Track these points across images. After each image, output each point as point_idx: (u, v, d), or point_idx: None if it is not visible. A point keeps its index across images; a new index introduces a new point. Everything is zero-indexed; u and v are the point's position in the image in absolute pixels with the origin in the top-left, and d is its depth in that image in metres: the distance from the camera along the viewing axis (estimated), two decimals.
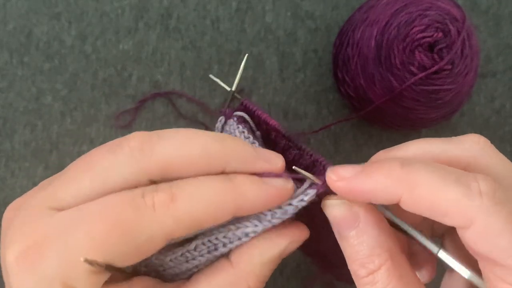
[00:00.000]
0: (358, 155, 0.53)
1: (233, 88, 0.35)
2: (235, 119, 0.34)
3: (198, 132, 0.29)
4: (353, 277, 0.30)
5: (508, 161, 0.30)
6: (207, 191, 0.28)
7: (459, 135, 0.32)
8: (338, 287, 0.52)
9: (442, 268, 0.34)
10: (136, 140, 0.28)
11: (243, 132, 0.33)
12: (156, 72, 0.53)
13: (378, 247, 0.28)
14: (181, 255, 0.31)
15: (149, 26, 0.53)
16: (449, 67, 0.44)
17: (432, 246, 0.28)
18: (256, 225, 0.30)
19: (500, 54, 0.54)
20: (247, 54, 0.36)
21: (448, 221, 0.26)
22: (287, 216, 0.30)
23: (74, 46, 0.53)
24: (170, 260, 0.32)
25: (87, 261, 0.25)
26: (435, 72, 0.44)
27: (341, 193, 0.29)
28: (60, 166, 0.52)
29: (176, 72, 0.53)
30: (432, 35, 0.44)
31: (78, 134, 0.52)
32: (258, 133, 0.35)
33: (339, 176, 0.29)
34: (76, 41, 0.53)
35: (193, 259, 0.31)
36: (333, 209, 0.30)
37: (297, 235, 0.31)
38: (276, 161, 0.30)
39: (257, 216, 0.30)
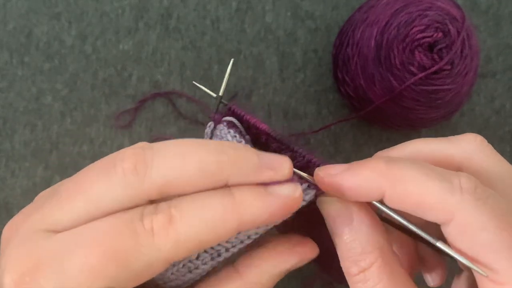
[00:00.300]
0: (358, 155, 0.53)
1: (220, 93, 0.34)
2: (225, 123, 0.33)
3: (194, 145, 0.27)
4: (345, 274, 0.30)
5: (505, 161, 0.30)
6: (207, 211, 0.26)
7: (459, 135, 0.32)
8: (339, 287, 0.52)
9: (451, 273, 0.34)
10: (129, 160, 0.27)
11: (235, 136, 0.32)
12: (156, 72, 0.53)
13: (369, 245, 0.29)
14: (183, 266, 0.30)
15: (149, 26, 0.53)
16: (449, 67, 0.44)
17: (430, 238, 0.28)
18: (258, 227, 0.30)
19: (500, 54, 0.54)
20: (232, 59, 0.35)
21: (430, 217, 0.27)
22: (288, 215, 0.30)
23: (74, 46, 0.53)
24: (172, 273, 0.31)
25: None
26: (435, 72, 0.44)
27: (328, 190, 0.29)
28: (60, 166, 0.52)
29: (176, 72, 0.53)
30: (432, 35, 0.44)
31: (78, 134, 0.52)
32: (247, 137, 0.34)
33: (326, 174, 0.29)
34: (76, 41, 0.53)
35: (196, 268, 0.30)
36: (327, 206, 0.30)
37: (308, 254, 0.32)
38: (282, 167, 0.28)
39: None
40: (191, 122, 0.53)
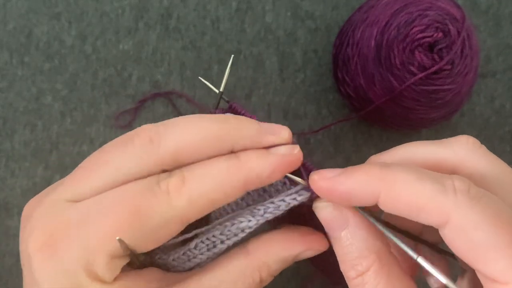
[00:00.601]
0: (358, 155, 0.53)
1: (221, 89, 0.35)
2: None
3: (202, 116, 0.30)
4: (345, 278, 0.30)
5: (498, 160, 0.30)
6: (215, 170, 0.29)
7: (459, 135, 0.32)
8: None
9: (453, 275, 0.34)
10: (144, 133, 0.29)
11: None
12: (156, 72, 0.53)
13: (366, 249, 0.29)
14: (183, 254, 0.32)
15: (149, 26, 0.53)
16: (449, 67, 0.44)
17: (411, 253, 0.28)
18: (249, 220, 0.31)
19: (500, 54, 0.54)
20: (233, 56, 0.36)
21: (425, 219, 0.27)
22: (279, 212, 0.31)
23: (74, 46, 0.53)
24: (173, 260, 0.32)
25: (120, 241, 0.27)
26: (435, 72, 0.44)
27: (323, 194, 0.30)
28: (60, 166, 0.52)
29: (176, 72, 0.53)
30: (432, 35, 0.44)
31: (78, 134, 0.52)
32: None
33: (321, 177, 0.29)
34: (76, 41, 0.53)
35: (194, 257, 0.32)
36: (323, 211, 0.31)
37: (316, 245, 0.32)
38: (282, 132, 0.31)
39: (251, 211, 0.31)
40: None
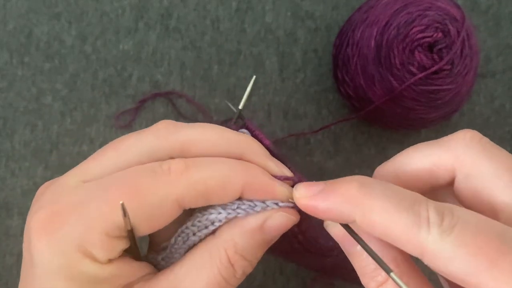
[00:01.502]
0: (358, 155, 0.53)
1: (240, 107, 0.37)
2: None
3: (217, 126, 0.32)
4: None
5: (497, 155, 0.29)
6: (220, 165, 0.30)
7: (451, 134, 0.31)
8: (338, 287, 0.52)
9: None
10: (163, 122, 0.31)
11: None
12: (156, 72, 0.53)
13: (383, 259, 0.29)
14: (169, 251, 0.32)
15: (149, 26, 0.53)
16: (449, 67, 0.44)
17: (385, 267, 0.28)
18: (220, 213, 0.31)
19: (500, 54, 0.54)
20: (254, 76, 0.38)
21: (401, 248, 0.27)
22: (251, 211, 0.31)
23: (74, 46, 0.53)
24: (162, 259, 0.33)
25: (123, 206, 0.27)
26: (435, 72, 0.44)
27: (307, 211, 0.30)
28: (60, 166, 0.52)
29: (176, 72, 0.53)
30: (432, 35, 0.44)
31: (78, 134, 0.52)
32: None
33: (302, 195, 0.30)
34: (76, 41, 0.53)
35: (176, 253, 0.32)
36: (334, 228, 0.31)
37: (282, 213, 0.32)
38: (285, 170, 0.32)
39: (224, 204, 0.31)
40: (191, 122, 0.53)
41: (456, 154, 0.29)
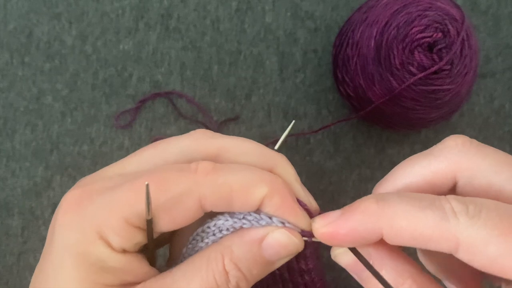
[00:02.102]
0: (358, 155, 0.53)
1: (276, 148, 0.37)
2: None
3: (253, 141, 0.33)
4: None
5: (492, 155, 0.30)
6: (247, 171, 0.30)
7: (457, 134, 0.31)
8: (339, 287, 0.52)
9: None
10: (201, 130, 0.33)
11: None
12: (156, 72, 0.53)
13: (399, 277, 0.29)
14: (181, 261, 0.32)
15: (149, 26, 0.53)
16: (449, 67, 0.44)
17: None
18: (227, 220, 0.31)
19: (499, 54, 0.54)
20: (293, 121, 0.38)
21: (434, 247, 0.27)
22: (256, 224, 0.30)
23: (75, 46, 0.53)
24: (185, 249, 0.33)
25: (147, 188, 0.28)
26: (435, 72, 0.44)
27: (326, 241, 0.30)
28: (60, 166, 0.52)
29: (176, 72, 0.53)
30: (432, 35, 0.44)
31: (78, 134, 0.53)
32: None
33: (321, 224, 0.29)
34: (76, 41, 0.53)
35: (184, 259, 0.32)
36: (343, 258, 0.31)
37: (284, 231, 0.31)
38: (312, 200, 0.33)
39: (231, 212, 0.31)
40: (191, 122, 0.53)
41: (454, 161, 0.30)
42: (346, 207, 0.29)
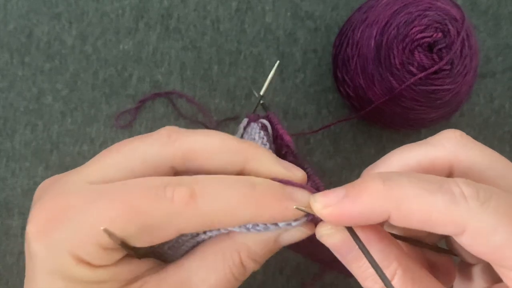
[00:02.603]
0: (358, 155, 0.53)
1: (262, 93, 0.35)
2: (260, 124, 0.35)
3: (220, 132, 0.31)
4: None
5: (487, 150, 0.30)
6: (229, 195, 0.28)
7: (436, 134, 0.31)
8: (339, 287, 0.52)
9: None
10: (165, 129, 0.31)
11: (263, 138, 0.34)
12: (156, 72, 0.53)
13: (385, 260, 0.28)
14: (175, 242, 0.32)
15: (149, 26, 0.53)
16: (449, 67, 0.44)
17: (385, 278, 0.27)
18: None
19: (499, 54, 0.54)
20: (278, 61, 0.36)
21: (440, 230, 0.27)
22: (262, 231, 0.30)
23: (75, 46, 0.53)
24: (168, 248, 0.33)
25: (106, 231, 0.27)
26: (435, 72, 0.44)
27: (330, 222, 0.29)
28: (60, 166, 0.52)
29: (176, 72, 0.53)
30: (432, 35, 0.44)
31: (78, 134, 0.53)
32: (273, 146, 0.35)
33: (324, 204, 0.28)
34: (76, 41, 0.53)
35: (183, 245, 0.32)
36: (329, 238, 0.30)
37: (300, 228, 0.31)
38: (296, 171, 0.31)
39: None
40: (191, 122, 0.53)
41: (453, 151, 0.30)
42: (350, 186, 0.28)
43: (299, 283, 0.52)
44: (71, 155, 0.52)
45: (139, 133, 0.53)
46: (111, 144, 0.52)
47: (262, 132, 0.34)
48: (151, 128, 0.53)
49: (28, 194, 0.52)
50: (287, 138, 0.33)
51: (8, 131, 0.53)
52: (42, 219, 0.28)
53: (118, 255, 0.29)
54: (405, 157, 0.31)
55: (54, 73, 0.53)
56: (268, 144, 0.34)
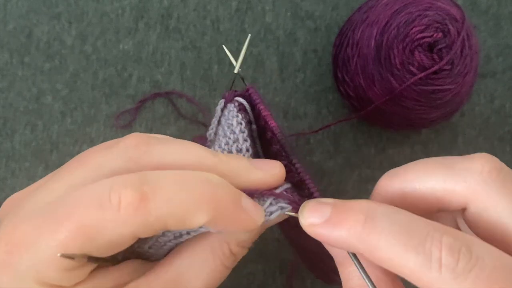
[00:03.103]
0: (358, 155, 0.53)
1: (236, 70, 0.32)
2: (236, 104, 0.32)
3: (195, 144, 0.29)
4: None
5: None
6: (184, 197, 0.26)
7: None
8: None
9: None
10: (133, 138, 0.29)
11: (241, 124, 0.32)
12: (156, 72, 0.53)
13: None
14: (156, 241, 0.31)
15: (149, 26, 0.53)
16: (449, 67, 0.44)
17: None
18: None
19: (500, 54, 0.54)
20: (250, 35, 0.34)
21: (412, 282, 0.26)
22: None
23: (75, 46, 0.53)
24: (149, 248, 0.32)
25: (63, 255, 0.25)
26: (435, 72, 0.44)
27: (313, 237, 0.29)
28: (60, 166, 0.52)
29: (176, 72, 0.53)
30: (432, 35, 0.44)
31: (78, 134, 0.53)
32: (254, 126, 0.33)
33: (308, 222, 0.28)
34: (76, 41, 0.53)
35: (164, 245, 0.31)
36: (313, 231, 0.30)
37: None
38: (272, 169, 0.30)
39: None
40: (191, 122, 0.53)
41: (473, 189, 0.27)
42: (335, 210, 0.28)
43: (299, 283, 0.52)
44: (71, 155, 0.52)
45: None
46: None
47: (240, 116, 0.32)
48: (151, 128, 0.53)
49: None
50: (272, 123, 0.31)
51: (8, 131, 0.52)
52: (2, 252, 0.27)
53: (89, 268, 0.28)
54: (422, 179, 0.29)
55: (54, 73, 0.53)
56: (246, 131, 0.32)
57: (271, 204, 0.30)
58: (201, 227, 0.28)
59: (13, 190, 0.52)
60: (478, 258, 0.24)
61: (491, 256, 0.24)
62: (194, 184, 0.27)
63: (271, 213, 0.30)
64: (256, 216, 0.29)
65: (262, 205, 0.30)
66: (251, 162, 0.30)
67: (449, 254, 0.24)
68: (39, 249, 0.26)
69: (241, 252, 0.31)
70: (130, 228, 0.26)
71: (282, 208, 0.30)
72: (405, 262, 0.25)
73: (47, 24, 0.53)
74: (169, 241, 0.31)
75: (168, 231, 0.30)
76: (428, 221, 0.26)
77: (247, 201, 0.29)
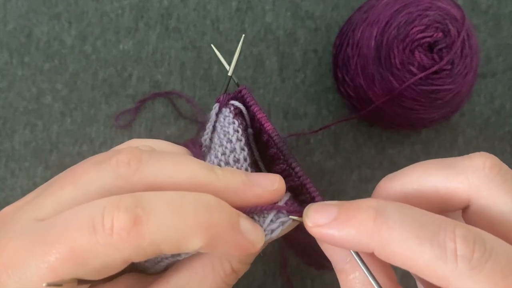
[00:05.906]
0: (358, 155, 0.53)
1: (229, 73, 0.31)
2: (232, 109, 0.31)
3: (190, 158, 0.28)
4: None
5: None
6: (179, 221, 0.25)
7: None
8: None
9: None
10: (125, 154, 0.27)
11: (237, 131, 0.30)
12: (156, 72, 0.53)
13: (370, 283, 0.28)
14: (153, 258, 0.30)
15: (149, 26, 0.53)
16: (449, 67, 0.44)
17: None
18: None
19: (500, 54, 0.54)
20: (244, 35, 0.33)
21: (425, 277, 0.25)
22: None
23: (74, 46, 0.53)
24: (146, 261, 0.31)
25: (50, 284, 0.25)
26: (435, 72, 0.44)
27: (317, 239, 0.29)
28: (60, 166, 0.52)
29: (176, 72, 0.53)
30: (432, 35, 0.44)
31: (78, 134, 0.52)
32: (250, 130, 0.32)
33: (314, 223, 0.28)
34: (76, 41, 0.53)
35: (161, 261, 0.30)
36: (327, 247, 0.30)
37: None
38: (271, 184, 0.29)
39: None
40: (191, 122, 0.53)
41: (475, 186, 0.27)
42: (343, 209, 0.27)
43: (299, 283, 0.52)
44: (70, 155, 0.52)
45: (139, 133, 0.53)
46: (111, 144, 0.52)
47: (236, 123, 0.30)
48: (151, 128, 0.53)
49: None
50: (268, 126, 0.30)
51: (8, 131, 0.52)
52: None
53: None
54: (424, 179, 0.29)
55: (53, 73, 0.53)
56: (243, 139, 0.30)
57: (271, 221, 0.29)
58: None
59: (13, 190, 0.52)
60: (493, 249, 0.24)
61: (503, 249, 0.24)
62: (189, 207, 0.26)
63: (272, 231, 0.29)
64: (256, 240, 0.28)
65: (263, 221, 0.29)
66: (249, 177, 0.29)
67: (464, 244, 0.24)
68: (28, 271, 0.25)
69: (243, 269, 0.30)
70: (122, 254, 0.25)
71: (283, 223, 0.29)
72: (419, 255, 0.24)
73: (47, 24, 0.53)
74: (166, 258, 0.30)
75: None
76: (437, 215, 0.26)
77: (245, 223, 0.28)
